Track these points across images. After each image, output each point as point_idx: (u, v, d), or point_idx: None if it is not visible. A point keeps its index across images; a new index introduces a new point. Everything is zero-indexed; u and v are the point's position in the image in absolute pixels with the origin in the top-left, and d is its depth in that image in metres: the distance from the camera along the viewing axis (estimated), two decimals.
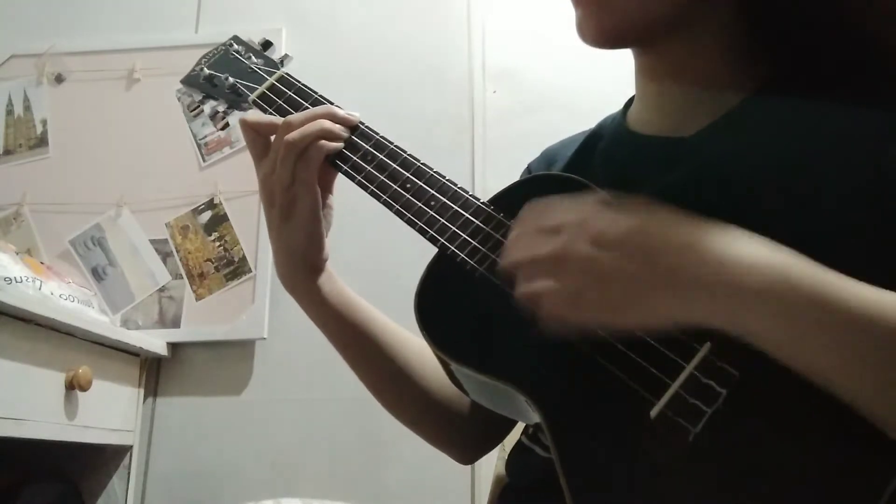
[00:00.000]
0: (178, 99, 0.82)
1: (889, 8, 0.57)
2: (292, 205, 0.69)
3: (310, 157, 0.68)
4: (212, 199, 1.73)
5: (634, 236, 0.49)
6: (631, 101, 0.74)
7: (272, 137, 0.71)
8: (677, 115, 0.65)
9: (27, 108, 1.84)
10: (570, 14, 0.64)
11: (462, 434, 0.80)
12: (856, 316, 0.44)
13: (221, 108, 0.80)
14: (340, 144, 0.70)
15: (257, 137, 0.71)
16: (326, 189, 0.73)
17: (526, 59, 1.77)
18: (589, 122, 0.79)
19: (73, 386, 1.31)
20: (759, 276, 0.46)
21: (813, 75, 0.60)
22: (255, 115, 0.73)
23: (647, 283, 0.48)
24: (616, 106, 0.76)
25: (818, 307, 0.45)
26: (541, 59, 1.76)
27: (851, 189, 0.53)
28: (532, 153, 0.83)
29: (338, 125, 0.70)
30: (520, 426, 0.76)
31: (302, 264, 0.72)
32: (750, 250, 0.47)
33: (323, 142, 0.68)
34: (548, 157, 0.80)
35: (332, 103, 0.73)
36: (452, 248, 0.62)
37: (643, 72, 0.69)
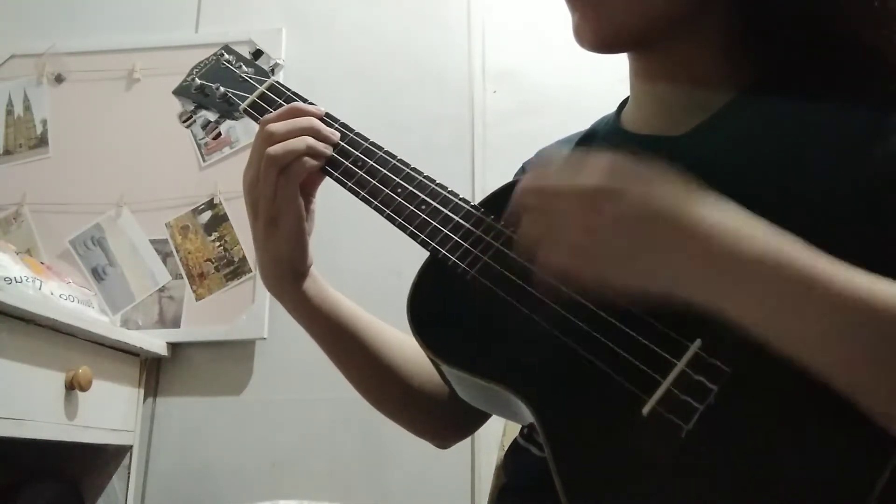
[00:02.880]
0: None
1: (875, 12, 0.57)
2: (276, 217, 0.69)
3: (292, 173, 0.68)
4: (212, 199, 1.73)
5: (639, 199, 0.49)
6: (625, 102, 0.74)
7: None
8: (670, 115, 0.65)
9: (27, 108, 1.84)
10: (570, 14, 0.64)
11: (441, 422, 0.82)
12: (846, 296, 0.44)
13: (213, 118, 0.80)
14: (322, 162, 0.70)
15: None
16: (309, 194, 0.73)
17: (526, 60, 1.77)
18: (590, 123, 0.79)
19: (73, 386, 1.31)
20: (751, 248, 0.47)
21: (801, 75, 0.60)
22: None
23: (643, 247, 0.49)
24: (616, 106, 0.76)
25: (806, 284, 0.45)
26: (541, 59, 1.75)
27: (840, 185, 0.53)
28: (532, 154, 0.83)
29: (321, 143, 0.70)
30: (501, 419, 0.77)
31: (288, 272, 0.73)
32: (746, 224, 0.48)
33: (307, 159, 0.68)
34: None
35: (324, 115, 0.73)
36: (444, 251, 0.63)
37: (637, 73, 0.69)
